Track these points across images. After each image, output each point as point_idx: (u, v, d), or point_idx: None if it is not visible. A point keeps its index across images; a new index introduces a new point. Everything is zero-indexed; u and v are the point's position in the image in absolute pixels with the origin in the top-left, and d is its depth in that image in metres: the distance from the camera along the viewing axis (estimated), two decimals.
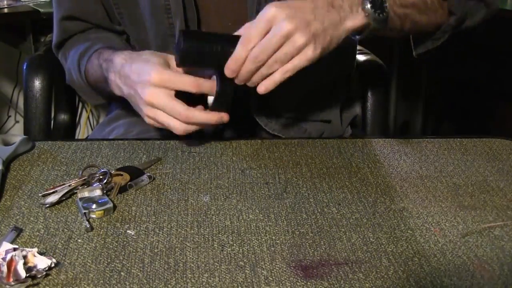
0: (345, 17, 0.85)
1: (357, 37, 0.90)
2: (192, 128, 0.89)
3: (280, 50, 0.82)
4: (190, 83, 0.87)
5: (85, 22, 1.10)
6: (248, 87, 0.88)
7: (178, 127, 0.88)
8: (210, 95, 0.90)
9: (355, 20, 0.85)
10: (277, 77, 0.85)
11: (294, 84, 1.08)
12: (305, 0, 0.84)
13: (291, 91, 1.08)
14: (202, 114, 0.88)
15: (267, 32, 0.82)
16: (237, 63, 0.84)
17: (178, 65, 0.89)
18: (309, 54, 0.83)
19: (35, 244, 0.70)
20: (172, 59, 0.90)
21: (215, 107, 0.90)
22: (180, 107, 0.87)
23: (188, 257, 0.68)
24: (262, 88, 0.86)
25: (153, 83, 0.87)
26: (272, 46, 0.82)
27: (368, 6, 0.85)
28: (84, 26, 1.11)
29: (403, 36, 1.00)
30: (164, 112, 0.88)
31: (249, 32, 0.83)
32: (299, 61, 0.83)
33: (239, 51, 0.83)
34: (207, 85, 0.88)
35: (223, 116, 0.89)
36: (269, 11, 0.82)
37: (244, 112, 1.09)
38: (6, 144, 0.91)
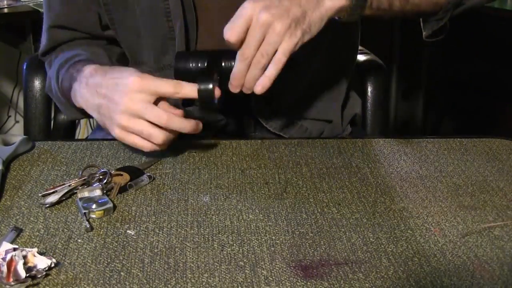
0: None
1: (341, 19, 0.88)
2: (171, 136, 0.86)
3: (263, 43, 0.82)
4: (170, 85, 0.85)
5: (75, 30, 1.08)
6: (246, 95, 0.88)
7: (159, 134, 0.85)
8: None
9: (335, 0, 0.85)
10: (271, 71, 0.84)
11: (295, 81, 1.08)
12: None
13: (291, 89, 1.09)
14: (180, 120, 0.85)
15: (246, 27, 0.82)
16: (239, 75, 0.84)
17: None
18: (292, 39, 0.82)
19: (35, 244, 0.70)
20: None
21: (202, 108, 0.90)
22: (161, 111, 0.84)
23: (188, 257, 0.68)
24: (258, 88, 0.85)
25: (132, 88, 0.84)
26: (255, 40, 0.81)
27: None
28: (73, 35, 1.08)
29: (400, 17, 0.99)
30: (144, 120, 0.84)
31: (230, 33, 0.82)
32: (285, 47, 0.82)
33: (239, 65, 0.84)
34: (188, 88, 0.85)
35: (198, 124, 0.86)
36: (245, 8, 0.81)
37: (245, 110, 1.09)
38: (6, 144, 0.91)
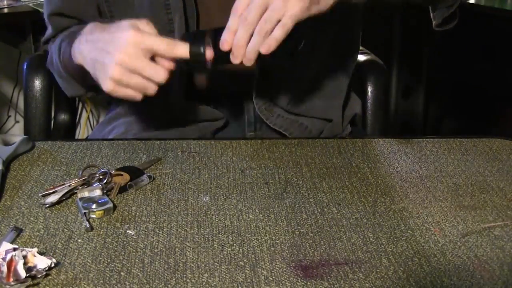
0: None
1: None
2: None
3: (268, 9, 0.81)
4: (164, 43, 0.85)
5: (75, 19, 1.09)
6: (247, 68, 0.86)
7: (153, 87, 0.86)
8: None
9: None
10: (278, 33, 0.82)
11: (296, 78, 1.08)
12: None
13: (293, 86, 1.09)
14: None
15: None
16: (230, 33, 0.83)
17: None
18: (295, 6, 0.81)
19: (35, 244, 0.70)
20: (143, 25, 0.88)
21: (190, 69, 0.90)
22: (159, 67, 0.85)
23: (188, 257, 0.68)
24: (265, 47, 0.83)
25: (128, 42, 0.84)
26: (260, 7, 0.81)
27: None
28: (75, 22, 1.10)
29: (409, 2, 0.99)
30: (138, 74, 0.85)
31: (237, 2, 0.83)
32: (292, 11, 0.81)
33: (230, 21, 0.83)
34: (181, 48, 0.86)
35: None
36: None
37: (246, 106, 1.09)
38: (6, 144, 0.91)
